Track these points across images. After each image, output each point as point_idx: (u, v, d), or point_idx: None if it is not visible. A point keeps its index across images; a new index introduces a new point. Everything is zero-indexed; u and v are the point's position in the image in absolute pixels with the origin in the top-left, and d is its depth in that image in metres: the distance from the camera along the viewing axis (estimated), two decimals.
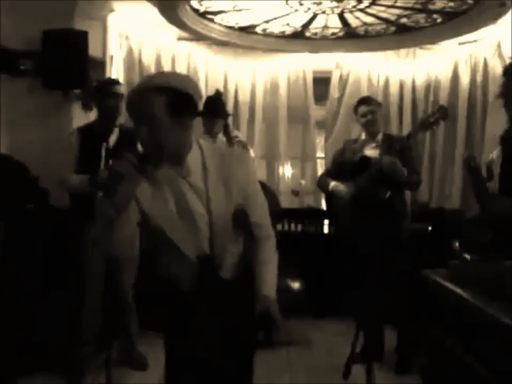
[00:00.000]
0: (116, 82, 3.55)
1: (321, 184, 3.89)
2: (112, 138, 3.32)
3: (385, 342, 3.71)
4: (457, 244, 2.87)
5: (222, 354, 2.01)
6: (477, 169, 2.71)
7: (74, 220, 3.36)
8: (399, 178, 3.41)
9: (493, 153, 2.81)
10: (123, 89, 3.47)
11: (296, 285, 4.15)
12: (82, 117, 4.09)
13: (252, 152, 4.25)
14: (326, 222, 4.99)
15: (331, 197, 3.73)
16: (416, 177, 3.61)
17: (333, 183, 3.69)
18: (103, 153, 3.18)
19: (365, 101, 3.76)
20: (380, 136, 3.67)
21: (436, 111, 3.48)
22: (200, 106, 1.97)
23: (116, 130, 3.37)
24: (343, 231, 3.74)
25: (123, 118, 3.58)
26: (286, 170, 5.50)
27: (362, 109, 3.68)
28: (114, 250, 2.01)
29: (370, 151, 3.62)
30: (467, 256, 2.76)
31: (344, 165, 3.70)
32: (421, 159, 5.08)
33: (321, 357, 3.87)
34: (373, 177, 3.44)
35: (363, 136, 3.74)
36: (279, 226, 4.79)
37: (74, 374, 3.27)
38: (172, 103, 1.75)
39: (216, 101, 3.79)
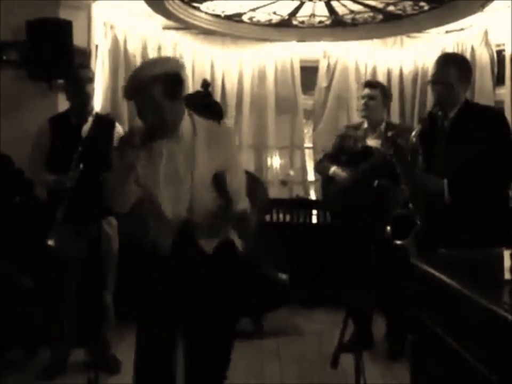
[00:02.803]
0: (83, 66, 3.48)
1: (320, 168, 3.81)
2: (87, 127, 3.16)
3: (375, 330, 3.73)
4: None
5: (198, 326, 2.12)
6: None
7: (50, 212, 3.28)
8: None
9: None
10: (91, 74, 3.36)
11: (283, 276, 4.15)
12: (67, 107, 4.03)
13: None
14: (315, 212, 4.99)
15: (328, 181, 3.68)
16: None
17: (333, 168, 3.61)
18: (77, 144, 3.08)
19: (368, 83, 3.67)
20: (383, 126, 3.57)
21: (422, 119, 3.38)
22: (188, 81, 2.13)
23: (90, 119, 3.20)
24: (338, 217, 3.71)
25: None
26: (275, 161, 5.49)
27: (364, 91, 3.59)
28: (120, 206, 2.15)
29: (373, 141, 3.56)
30: (398, 242, 2.79)
31: (345, 151, 3.63)
32: None
33: (310, 346, 3.88)
34: (374, 168, 3.38)
35: (365, 124, 3.63)
36: (267, 217, 4.78)
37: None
38: (168, 88, 2.01)
39: (215, 103, 3.72)
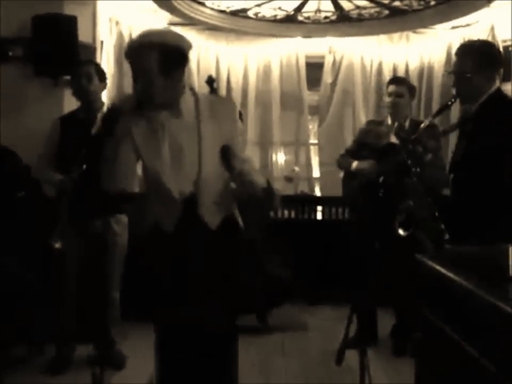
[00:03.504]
0: (88, 62, 3.42)
1: (341, 163, 3.70)
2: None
3: (379, 326, 3.73)
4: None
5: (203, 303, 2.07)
6: (407, 139, 2.69)
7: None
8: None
9: (423, 124, 2.80)
10: (96, 70, 3.27)
11: (287, 272, 4.15)
12: (73, 103, 4.04)
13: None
14: (320, 208, 4.98)
15: (349, 176, 3.62)
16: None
17: (356, 162, 3.54)
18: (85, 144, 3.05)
19: (394, 80, 3.61)
20: (407, 123, 3.50)
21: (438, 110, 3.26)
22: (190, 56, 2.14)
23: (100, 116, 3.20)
24: (361, 211, 3.64)
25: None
26: (280, 157, 5.49)
27: (390, 88, 3.51)
28: (114, 182, 2.09)
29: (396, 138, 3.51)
30: (401, 232, 2.77)
31: (368, 147, 3.58)
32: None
33: (315, 342, 3.88)
34: (397, 165, 3.33)
35: (389, 120, 3.57)
36: (272, 213, 4.78)
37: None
38: (166, 58, 1.95)
39: None
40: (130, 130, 2.03)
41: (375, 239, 3.28)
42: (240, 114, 3.61)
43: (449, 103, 2.72)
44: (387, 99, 3.54)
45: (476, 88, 2.58)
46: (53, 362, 3.28)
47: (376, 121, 3.77)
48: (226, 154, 1.97)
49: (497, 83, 2.62)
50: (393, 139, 3.46)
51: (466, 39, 4.99)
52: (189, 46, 2.07)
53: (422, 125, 2.85)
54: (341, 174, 3.83)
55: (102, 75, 3.30)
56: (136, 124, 2.04)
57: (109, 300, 3.24)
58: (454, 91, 2.68)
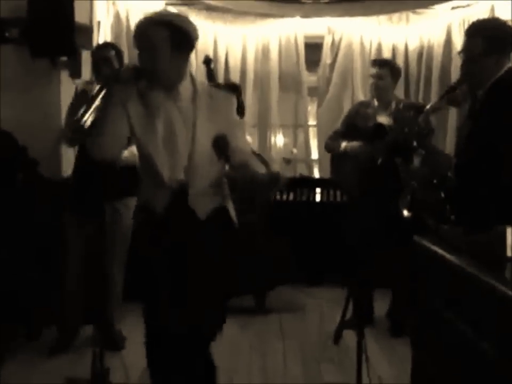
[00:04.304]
0: (108, 46, 3.40)
1: (330, 144, 3.72)
2: None
3: (376, 307, 3.75)
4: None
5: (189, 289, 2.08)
6: (413, 120, 2.67)
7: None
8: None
9: (428, 106, 2.77)
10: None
11: (285, 254, 4.17)
12: (70, 84, 4.01)
13: None
14: (318, 190, 4.98)
15: (339, 158, 3.65)
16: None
17: (345, 143, 3.56)
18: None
19: (376, 62, 3.61)
20: (393, 104, 3.53)
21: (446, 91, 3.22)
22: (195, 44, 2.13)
23: None
24: (352, 194, 3.66)
25: None
26: (278, 139, 5.47)
27: (372, 70, 3.54)
28: (100, 149, 2.07)
29: (383, 119, 3.52)
30: (405, 213, 2.78)
31: (356, 129, 3.59)
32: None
33: (313, 323, 3.90)
34: (387, 146, 3.35)
35: (375, 101, 3.59)
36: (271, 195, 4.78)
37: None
38: (174, 38, 1.99)
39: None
40: (125, 101, 2.03)
41: (370, 220, 3.30)
42: (241, 105, 3.60)
43: (457, 83, 2.66)
44: (369, 81, 3.56)
45: (485, 70, 2.47)
46: (54, 343, 3.31)
47: (363, 103, 3.78)
48: (221, 144, 1.96)
49: (509, 64, 2.47)
50: (380, 120, 3.48)
51: (467, 20, 4.96)
52: (196, 36, 2.10)
53: (428, 106, 2.83)
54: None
55: (120, 58, 3.28)
56: (132, 97, 2.05)
57: (109, 282, 3.26)
58: (461, 73, 2.61)
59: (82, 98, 3.14)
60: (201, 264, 2.08)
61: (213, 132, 2.00)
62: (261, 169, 2.14)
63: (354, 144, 3.52)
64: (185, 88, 2.09)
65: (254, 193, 2.12)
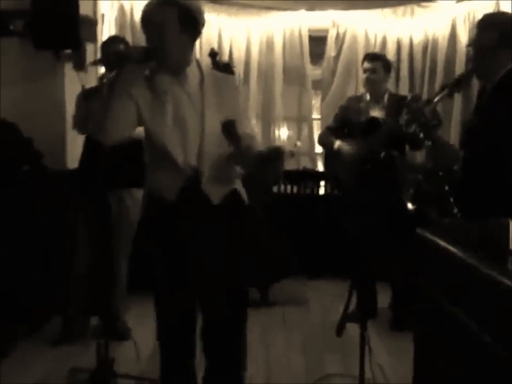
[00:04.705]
0: (119, 40, 3.38)
1: (323, 141, 3.78)
2: None
3: (379, 300, 3.76)
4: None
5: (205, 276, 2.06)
6: (422, 112, 2.65)
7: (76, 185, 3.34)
8: (408, 140, 3.34)
9: (438, 97, 2.75)
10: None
11: (287, 247, 4.19)
12: (74, 77, 4.02)
13: None
14: (322, 183, 4.99)
15: (332, 154, 3.66)
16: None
17: (338, 142, 3.59)
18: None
19: (367, 56, 3.64)
20: (386, 97, 3.57)
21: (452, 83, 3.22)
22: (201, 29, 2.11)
23: None
24: (346, 190, 3.69)
25: None
26: (282, 132, 5.46)
27: (364, 65, 3.57)
28: (107, 133, 2.02)
29: (376, 112, 3.54)
30: (410, 206, 2.78)
31: (349, 124, 3.61)
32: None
33: (316, 315, 3.92)
34: (382, 140, 3.36)
35: (368, 96, 3.63)
36: (274, 189, 4.79)
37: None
38: (182, 18, 1.98)
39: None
40: (131, 83, 1.99)
41: (367, 214, 3.32)
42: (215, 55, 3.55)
43: (464, 77, 2.63)
44: (362, 75, 3.58)
45: (495, 63, 2.43)
46: (58, 334, 3.34)
47: (355, 98, 3.81)
48: (230, 129, 1.95)
49: None
50: (373, 114, 3.49)
51: (472, 13, 4.94)
52: (203, 21, 2.08)
53: (436, 99, 2.81)
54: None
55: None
56: (140, 80, 2.02)
57: (116, 271, 3.28)
58: (472, 66, 2.56)
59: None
60: (217, 249, 2.06)
61: (221, 117, 1.98)
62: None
63: (347, 145, 3.53)
64: (192, 72, 2.08)
65: (263, 173, 2.06)
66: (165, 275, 2.13)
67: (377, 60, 3.59)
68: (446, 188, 2.70)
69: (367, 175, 3.41)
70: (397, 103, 3.46)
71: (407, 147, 3.59)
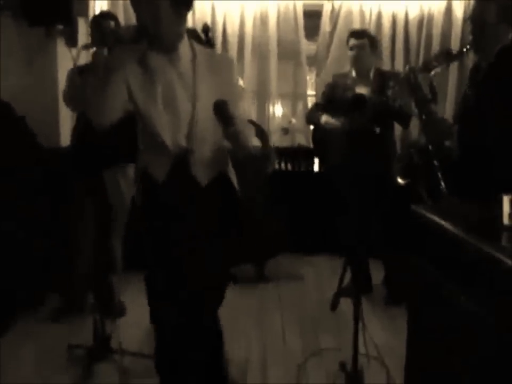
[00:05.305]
0: (109, 16, 3.32)
1: (311, 118, 3.82)
2: None
3: (374, 277, 3.80)
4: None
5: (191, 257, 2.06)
6: (418, 85, 2.63)
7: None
8: (395, 115, 3.37)
9: (433, 72, 2.73)
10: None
11: (282, 223, 4.21)
12: (66, 53, 3.97)
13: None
14: (317, 160, 4.99)
15: (320, 131, 3.69)
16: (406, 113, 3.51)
17: (325, 118, 3.62)
18: None
19: (353, 34, 3.64)
20: (371, 73, 3.59)
21: (440, 54, 3.22)
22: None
23: None
24: (334, 167, 3.73)
25: None
26: (277, 109, 5.43)
27: (350, 42, 3.59)
28: (99, 114, 2.00)
29: (362, 89, 3.55)
30: (400, 180, 2.80)
31: (336, 101, 3.63)
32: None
33: (311, 291, 3.96)
34: (366, 115, 3.38)
35: (353, 72, 3.66)
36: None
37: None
38: None
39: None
40: (124, 64, 1.96)
41: (357, 190, 3.34)
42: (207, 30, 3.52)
43: (464, 50, 2.55)
44: (348, 53, 3.59)
45: (494, 38, 2.40)
46: (56, 310, 3.38)
47: (341, 74, 3.81)
48: (221, 109, 1.93)
49: None
50: (359, 90, 3.51)
51: None
52: None
53: (433, 72, 2.78)
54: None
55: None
56: (132, 60, 1.98)
57: (110, 250, 3.30)
58: (470, 40, 2.50)
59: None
60: (202, 231, 2.07)
61: (214, 97, 1.96)
62: (252, 140, 2.11)
63: (333, 120, 3.56)
64: (184, 52, 2.04)
65: (246, 168, 2.09)
66: (154, 255, 2.14)
67: (362, 37, 3.59)
68: (436, 162, 2.70)
69: (352, 151, 3.43)
70: (382, 79, 3.48)
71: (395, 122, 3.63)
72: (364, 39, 3.57)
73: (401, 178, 3.04)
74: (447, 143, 2.67)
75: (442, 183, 2.58)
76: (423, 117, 2.72)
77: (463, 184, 2.54)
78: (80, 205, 3.38)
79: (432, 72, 2.81)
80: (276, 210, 4.23)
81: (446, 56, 2.61)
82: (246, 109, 2.19)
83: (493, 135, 2.38)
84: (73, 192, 3.44)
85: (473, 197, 2.25)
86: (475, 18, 2.45)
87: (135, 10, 1.98)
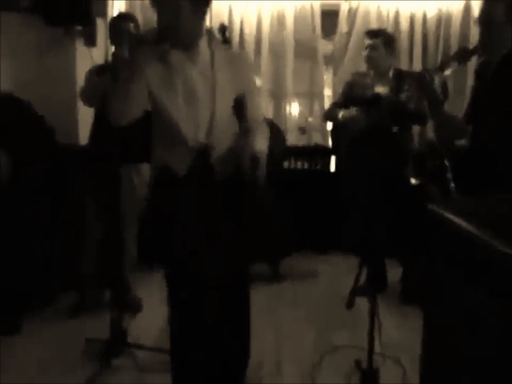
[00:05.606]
0: (128, 17, 3.36)
1: (329, 114, 3.82)
2: None
3: (390, 275, 3.79)
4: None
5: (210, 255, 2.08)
6: (431, 88, 2.61)
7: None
8: (410, 116, 3.36)
9: (447, 71, 2.71)
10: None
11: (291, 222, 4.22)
12: (85, 53, 4.02)
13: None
14: (333, 159, 4.98)
15: (338, 129, 3.69)
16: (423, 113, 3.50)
17: (342, 113, 3.63)
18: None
19: (368, 33, 3.64)
20: (390, 73, 3.58)
21: (457, 53, 3.18)
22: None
23: None
24: (350, 163, 3.72)
25: None
26: (293, 108, 5.44)
27: (366, 42, 3.59)
28: (119, 114, 2.03)
29: (381, 88, 3.54)
30: (413, 180, 2.78)
31: (354, 99, 3.63)
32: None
33: (326, 289, 3.96)
34: (382, 113, 3.38)
35: (372, 72, 3.65)
36: (285, 164, 4.80)
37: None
38: None
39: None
40: (146, 65, 1.99)
41: (370, 189, 3.33)
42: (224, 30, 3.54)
43: (473, 50, 2.56)
44: (363, 52, 3.61)
45: (502, 38, 2.39)
46: (74, 306, 3.42)
47: (361, 73, 3.81)
48: (240, 105, 1.96)
49: None
50: (377, 90, 3.50)
51: None
52: None
53: (448, 72, 2.77)
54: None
55: (138, 30, 3.27)
56: (152, 60, 2.01)
57: (124, 246, 3.33)
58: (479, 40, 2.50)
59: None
60: (224, 225, 2.10)
61: (233, 94, 2.00)
62: (263, 141, 2.12)
63: (350, 117, 3.55)
64: (203, 48, 2.08)
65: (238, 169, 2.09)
66: (174, 250, 2.15)
67: (377, 36, 3.59)
68: (447, 163, 2.70)
69: (366, 147, 3.42)
70: (400, 79, 3.47)
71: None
72: (378, 39, 3.57)
73: (414, 178, 3.04)
74: (461, 141, 2.66)
75: (452, 183, 2.57)
76: (435, 118, 2.72)
77: (473, 183, 2.53)
78: (82, 204, 3.41)
79: (448, 72, 2.80)
80: (289, 208, 4.22)
81: (463, 53, 2.60)
82: (263, 106, 2.19)
83: (502, 136, 2.37)
84: (74, 192, 3.48)
85: (482, 195, 2.24)
86: (483, 18, 2.44)
87: (156, 10, 2.02)
